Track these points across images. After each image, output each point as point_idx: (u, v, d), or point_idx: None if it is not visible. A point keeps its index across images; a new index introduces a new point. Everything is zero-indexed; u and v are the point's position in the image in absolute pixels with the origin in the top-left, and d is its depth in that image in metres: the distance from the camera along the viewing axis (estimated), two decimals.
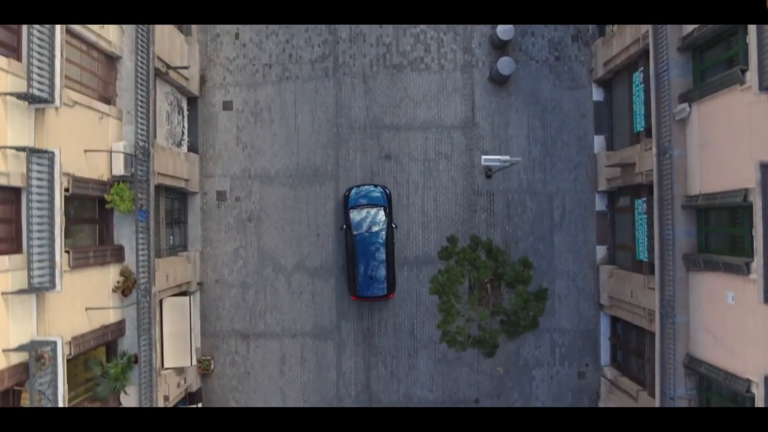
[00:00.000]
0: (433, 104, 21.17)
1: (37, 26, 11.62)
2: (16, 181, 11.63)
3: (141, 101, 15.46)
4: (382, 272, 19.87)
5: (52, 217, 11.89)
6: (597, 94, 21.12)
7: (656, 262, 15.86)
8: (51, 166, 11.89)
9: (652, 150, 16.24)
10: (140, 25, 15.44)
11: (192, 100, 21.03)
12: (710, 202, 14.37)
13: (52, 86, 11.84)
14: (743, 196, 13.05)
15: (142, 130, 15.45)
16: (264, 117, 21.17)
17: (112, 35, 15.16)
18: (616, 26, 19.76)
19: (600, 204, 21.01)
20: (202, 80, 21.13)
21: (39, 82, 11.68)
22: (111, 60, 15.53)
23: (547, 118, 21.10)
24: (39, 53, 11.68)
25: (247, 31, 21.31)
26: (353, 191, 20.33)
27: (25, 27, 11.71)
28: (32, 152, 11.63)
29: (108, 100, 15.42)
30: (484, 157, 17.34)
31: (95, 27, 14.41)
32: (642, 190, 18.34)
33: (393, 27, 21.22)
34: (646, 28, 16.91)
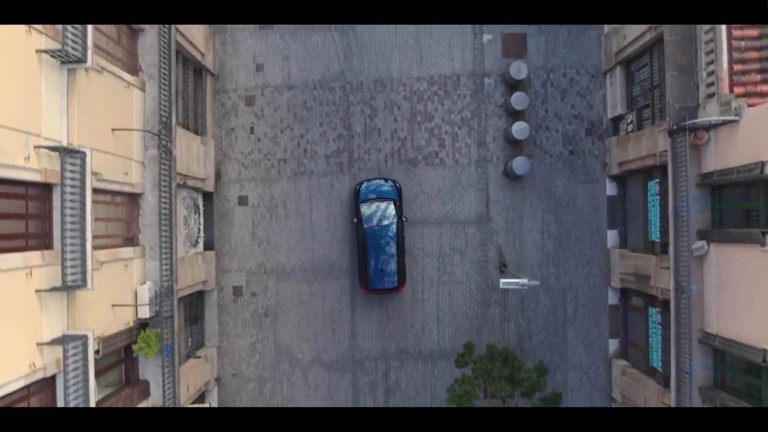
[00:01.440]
0: (447, 199, 21.29)
1: (69, 211, 11.70)
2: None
3: (165, 236, 15.58)
4: (393, 265, 20.19)
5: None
6: (611, 189, 21.25)
7: (672, 395, 16.14)
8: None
9: (668, 270, 16.46)
10: (163, 160, 15.52)
11: (207, 195, 21.11)
12: (728, 348, 14.61)
13: (84, 272, 11.95)
14: (762, 356, 13.28)
15: (165, 267, 15.58)
16: (279, 212, 21.28)
17: (134, 176, 15.22)
18: (630, 128, 19.87)
19: (613, 298, 21.23)
20: (218, 175, 21.19)
21: (72, 268, 11.81)
22: (134, 198, 15.61)
23: (561, 212, 21.25)
24: (72, 243, 11.79)
25: (262, 125, 21.34)
26: (364, 185, 20.61)
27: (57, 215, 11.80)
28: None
29: (131, 240, 15.53)
30: (502, 280, 17.54)
31: (119, 175, 14.47)
32: (657, 302, 18.56)
33: (408, 121, 21.28)
34: (663, 146, 17.02)
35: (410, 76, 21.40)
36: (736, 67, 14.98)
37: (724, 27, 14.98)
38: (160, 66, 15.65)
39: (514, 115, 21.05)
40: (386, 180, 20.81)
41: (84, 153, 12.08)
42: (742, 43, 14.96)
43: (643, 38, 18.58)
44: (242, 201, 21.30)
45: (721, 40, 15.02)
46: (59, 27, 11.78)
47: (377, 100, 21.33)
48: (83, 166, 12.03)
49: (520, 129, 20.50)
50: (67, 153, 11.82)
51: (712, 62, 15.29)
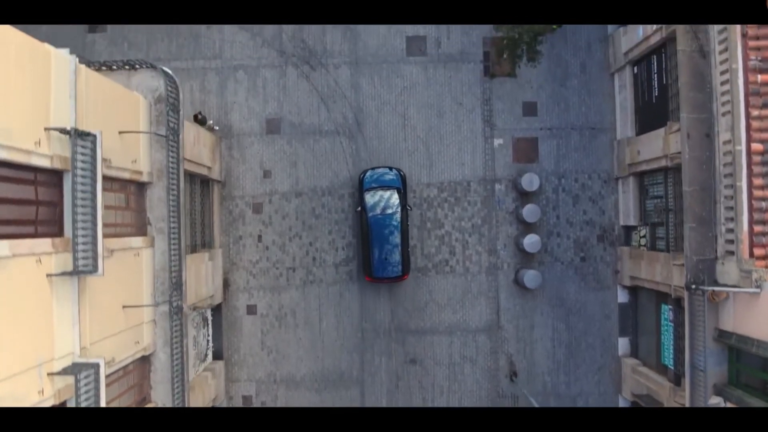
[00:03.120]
0: (458, 307, 21.12)
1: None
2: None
3: (177, 394, 15.42)
4: (397, 254, 20.16)
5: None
6: (622, 296, 21.10)
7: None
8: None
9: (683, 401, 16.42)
10: (174, 319, 15.31)
11: (216, 306, 20.91)
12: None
13: None
14: None
15: None
16: (288, 321, 21.10)
17: (146, 339, 15.02)
18: (643, 242, 19.66)
19: (623, 403, 21.18)
20: (226, 284, 20.98)
21: None
22: (144, 360, 15.42)
23: (572, 319, 21.12)
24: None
25: (270, 233, 21.09)
26: (368, 173, 20.56)
27: None
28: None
29: (143, 400, 15.37)
30: None
31: (131, 346, 14.27)
32: None
33: (417, 229, 21.03)
34: (678, 281, 16.83)
35: (420, 182, 21.11)
36: (757, 228, 14.71)
37: (744, 182, 14.74)
38: (169, 219, 15.37)
39: (526, 223, 20.79)
40: (390, 168, 20.65)
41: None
42: (763, 204, 14.71)
43: (659, 162, 18.30)
44: (251, 310, 21.11)
45: (741, 199, 14.75)
46: (69, 239, 11.51)
47: None
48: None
49: (531, 242, 20.28)
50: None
51: (731, 218, 15.03)
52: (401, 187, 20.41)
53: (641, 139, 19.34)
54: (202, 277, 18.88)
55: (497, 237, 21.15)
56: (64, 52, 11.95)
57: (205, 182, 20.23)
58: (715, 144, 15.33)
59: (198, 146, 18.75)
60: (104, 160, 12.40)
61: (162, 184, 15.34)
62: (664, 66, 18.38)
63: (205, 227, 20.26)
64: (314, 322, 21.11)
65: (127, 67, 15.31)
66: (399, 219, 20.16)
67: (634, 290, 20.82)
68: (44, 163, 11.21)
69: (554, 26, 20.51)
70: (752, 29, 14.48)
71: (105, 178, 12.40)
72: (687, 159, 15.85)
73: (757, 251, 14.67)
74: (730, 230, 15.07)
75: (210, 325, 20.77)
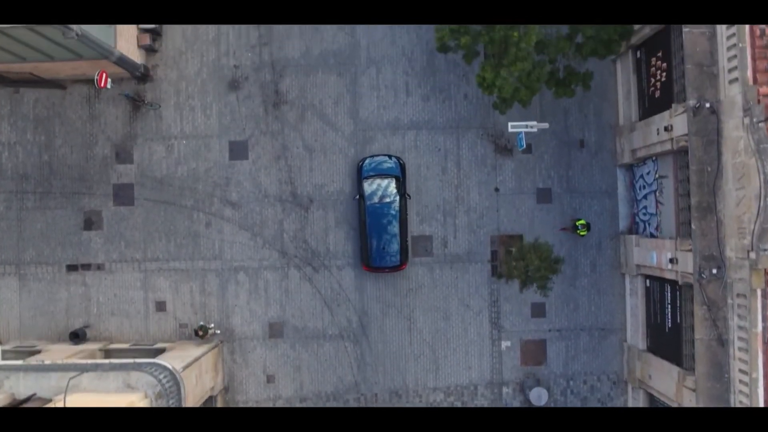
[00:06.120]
0: None
1: None
2: None
3: None
4: (395, 243, 20.07)
5: None
6: None
7: None
8: None
9: None
10: None
11: None
12: None
13: None
14: None
15: None
16: None
17: None
18: None
19: None
20: None
21: None
22: None
23: None
24: None
25: None
26: (367, 161, 20.48)
27: None
28: None
29: None
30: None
31: None
32: None
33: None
34: None
35: (426, 387, 20.75)
36: None
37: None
38: None
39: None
40: (390, 156, 20.49)
41: None
42: None
43: (670, 400, 17.95)
44: None
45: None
46: None
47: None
48: None
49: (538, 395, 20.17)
50: None
51: None
52: (400, 175, 20.16)
53: (653, 364, 18.93)
54: None
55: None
56: None
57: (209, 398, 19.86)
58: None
59: (200, 382, 18.33)
60: None
61: None
62: (678, 304, 17.87)
63: None
64: None
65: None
66: (397, 208, 19.96)
67: None
68: None
69: (582, 232, 20.05)
70: None
71: None
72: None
73: None
74: None
75: None
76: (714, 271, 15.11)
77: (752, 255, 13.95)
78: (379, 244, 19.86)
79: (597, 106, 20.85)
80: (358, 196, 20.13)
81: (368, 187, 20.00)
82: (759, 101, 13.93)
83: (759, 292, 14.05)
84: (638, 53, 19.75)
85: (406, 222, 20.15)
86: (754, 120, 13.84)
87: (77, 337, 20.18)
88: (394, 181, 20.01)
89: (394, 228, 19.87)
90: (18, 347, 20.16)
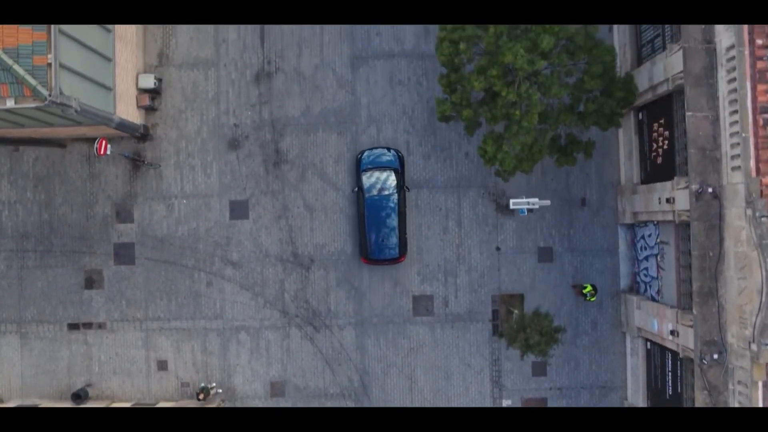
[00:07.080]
0: None
1: None
2: None
3: None
4: (394, 235, 20.14)
5: None
6: None
7: None
8: None
9: None
10: None
11: None
12: None
13: None
14: None
15: None
16: None
17: None
18: None
19: None
20: None
21: None
22: None
23: None
24: None
25: None
26: (365, 153, 20.52)
27: None
28: None
29: None
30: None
31: None
32: None
33: None
34: None
35: None
36: None
37: None
38: None
39: None
40: (389, 149, 20.53)
41: None
42: None
43: None
44: None
45: None
46: None
47: None
48: None
49: None
50: None
51: None
52: (399, 167, 20.16)
53: None
54: None
55: None
56: None
57: None
58: None
59: None
60: None
61: None
62: (679, 374, 17.90)
63: None
64: None
65: None
66: (396, 200, 19.99)
67: None
68: None
69: (591, 299, 20.12)
70: None
71: None
72: None
73: None
74: None
75: None
76: (715, 356, 15.11)
77: (753, 347, 13.96)
78: (377, 236, 19.87)
79: (599, 164, 20.77)
80: (356, 189, 20.07)
81: (367, 179, 19.98)
82: (762, 194, 13.88)
83: (760, 384, 14.08)
84: (640, 115, 19.69)
85: (405, 215, 20.13)
86: (757, 214, 13.79)
87: (79, 397, 20.22)
88: (393, 173, 19.98)
89: (393, 221, 19.88)
90: (20, 406, 20.24)
